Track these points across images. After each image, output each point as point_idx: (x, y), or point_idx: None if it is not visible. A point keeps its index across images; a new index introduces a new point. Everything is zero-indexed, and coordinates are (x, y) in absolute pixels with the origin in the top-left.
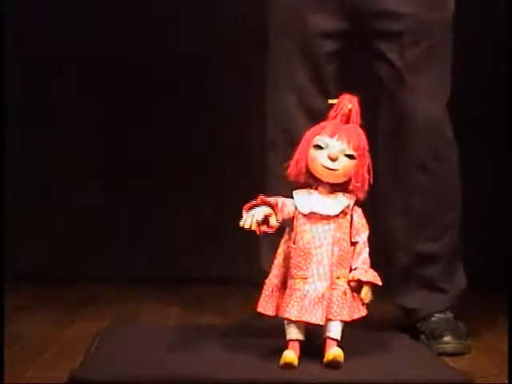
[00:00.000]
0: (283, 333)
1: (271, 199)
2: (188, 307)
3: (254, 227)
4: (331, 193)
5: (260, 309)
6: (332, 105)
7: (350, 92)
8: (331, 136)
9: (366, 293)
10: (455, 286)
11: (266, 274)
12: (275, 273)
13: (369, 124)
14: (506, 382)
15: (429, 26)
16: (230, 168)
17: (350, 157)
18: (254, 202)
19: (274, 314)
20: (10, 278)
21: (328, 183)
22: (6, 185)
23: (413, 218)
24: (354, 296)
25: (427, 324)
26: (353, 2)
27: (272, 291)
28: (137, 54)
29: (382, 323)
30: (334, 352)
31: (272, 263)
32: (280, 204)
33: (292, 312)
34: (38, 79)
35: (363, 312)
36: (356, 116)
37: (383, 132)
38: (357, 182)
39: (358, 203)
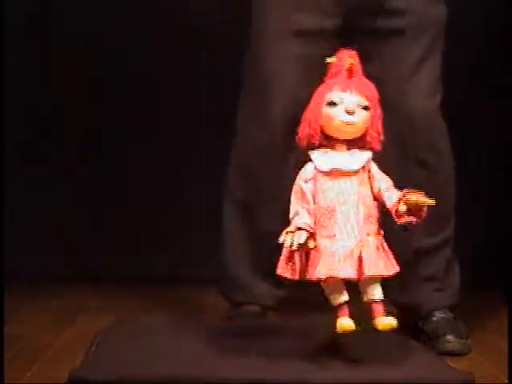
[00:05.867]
0: (283, 331)
1: (307, 223)
2: (188, 307)
3: (294, 247)
4: (348, 150)
5: (279, 271)
6: (330, 63)
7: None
8: (344, 90)
9: (418, 198)
10: (453, 283)
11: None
12: None
13: None
14: (506, 382)
15: (427, 22)
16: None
17: (366, 108)
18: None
19: (297, 276)
20: (10, 278)
21: (345, 140)
22: (6, 184)
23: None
24: (385, 250)
25: (428, 324)
26: (349, 1)
27: (292, 253)
28: (137, 54)
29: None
30: (388, 322)
31: None
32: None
33: (321, 271)
34: (37, 80)
35: (397, 267)
36: (358, 70)
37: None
38: (374, 132)
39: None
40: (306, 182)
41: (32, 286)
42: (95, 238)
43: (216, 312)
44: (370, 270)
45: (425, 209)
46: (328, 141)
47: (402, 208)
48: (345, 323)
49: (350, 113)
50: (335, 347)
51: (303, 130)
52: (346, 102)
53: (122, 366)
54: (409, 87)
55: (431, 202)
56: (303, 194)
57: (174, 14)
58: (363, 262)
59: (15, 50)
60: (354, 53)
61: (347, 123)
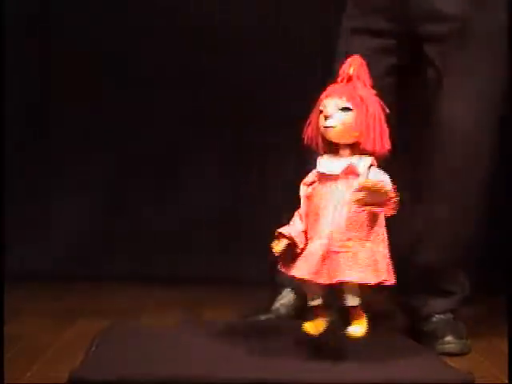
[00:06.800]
0: (283, 331)
1: (290, 230)
2: (188, 307)
3: (276, 253)
4: (350, 154)
5: (280, 266)
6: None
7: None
8: (327, 97)
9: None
10: (460, 290)
11: None
12: None
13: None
14: (506, 382)
15: (475, 30)
16: (231, 168)
17: (346, 110)
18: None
19: (289, 272)
20: (10, 278)
21: (347, 145)
22: (6, 184)
23: (436, 224)
24: (374, 260)
25: (428, 324)
26: (400, 5)
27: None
28: (137, 54)
29: (382, 324)
30: (354, 332)
31: None
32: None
33: (294, 271)
34: (37, 80)
35: (382, 277)
36: (362, 74)
37: (418, 138)
38: (358, 132)
39: (378, 162)
40: (304, 184)
41: (32, 286)
42: (95, 237)
43: (217, 312)
44: (339, 275)
45: (383, 196)
46: (329, 146)
47: (359, 194)
48: (308, 326)
49: (326, 117)
50: (335, 347)
51: (305, 135)
52: (326, 107)
53: (122, 366)
54: (450, 97)
55: (386, 187)
56: (300, 197)
57: (174, 14)
58: (337, 267)
59: (15, 50)
60: (359, 59)
61: (325, 127)
